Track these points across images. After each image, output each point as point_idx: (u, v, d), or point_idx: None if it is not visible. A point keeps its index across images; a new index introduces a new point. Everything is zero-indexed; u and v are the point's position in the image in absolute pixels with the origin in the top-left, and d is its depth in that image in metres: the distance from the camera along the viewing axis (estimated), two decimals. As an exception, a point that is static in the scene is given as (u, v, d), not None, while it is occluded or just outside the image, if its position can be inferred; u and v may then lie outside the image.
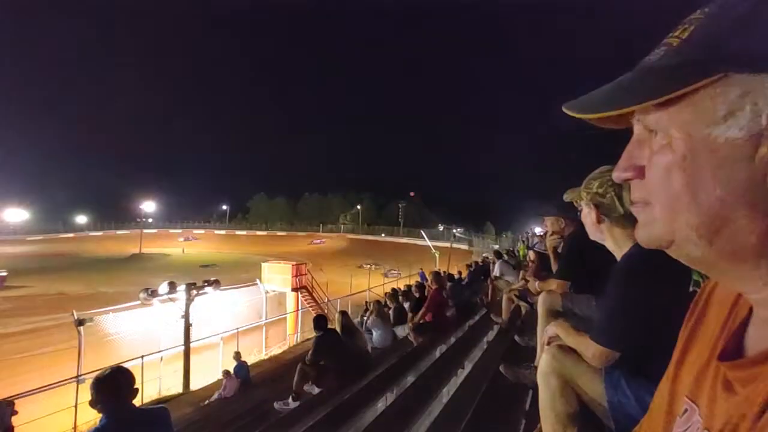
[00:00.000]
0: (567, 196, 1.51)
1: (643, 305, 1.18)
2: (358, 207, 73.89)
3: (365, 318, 7.97)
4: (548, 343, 1.47)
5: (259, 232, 67.58)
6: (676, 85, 0.31)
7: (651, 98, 0.32)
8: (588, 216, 1.42)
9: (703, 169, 0.32)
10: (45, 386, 6.48)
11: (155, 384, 8.93)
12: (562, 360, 1.33)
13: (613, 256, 1.38)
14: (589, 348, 1.27)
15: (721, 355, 0.40)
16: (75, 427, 6.88)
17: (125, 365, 2.07)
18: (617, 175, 0.39)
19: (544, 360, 1.37)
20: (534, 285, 2.84)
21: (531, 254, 6.21)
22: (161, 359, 9.27)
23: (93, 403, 1.77)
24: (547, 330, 1.55)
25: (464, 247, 39.37)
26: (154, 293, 9.02)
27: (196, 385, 8.91)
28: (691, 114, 0.32)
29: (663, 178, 0.34)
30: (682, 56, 0.32)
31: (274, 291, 16.16)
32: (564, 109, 0.37)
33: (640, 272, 1.19)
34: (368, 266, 35.18)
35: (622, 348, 1.22)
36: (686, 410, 0.42)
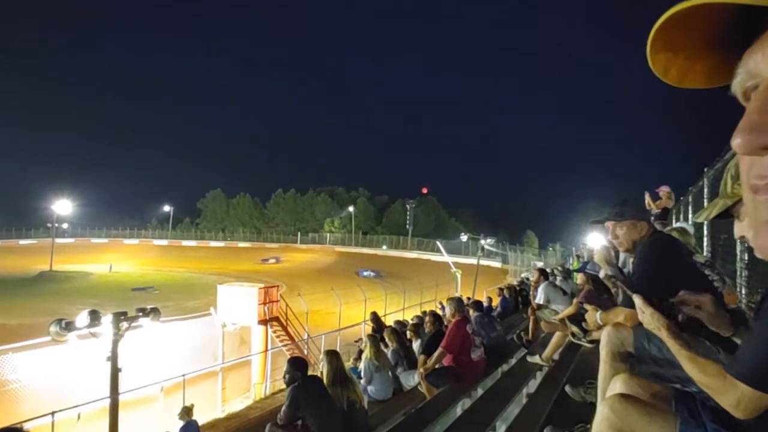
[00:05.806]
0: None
1: None
2: (351, 209, 74.06)
3: (359, 361, 7.95)
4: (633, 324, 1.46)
5: (213, 243, 67.85)
6: None
7: None
8: None
9: None
10: None
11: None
12: (623, 414, 1.32)
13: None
14: (731, 392, 1.23)
15: None
16: None
17: (28, 426, 2.05)
18: (747, 140, 0.35)
19: (600, 413, 1.37)
20: (594, 317, 2.80)
21: (580, 278, 6.18)
22: (78, 416, 9.29)
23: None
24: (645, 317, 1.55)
25: (496, 264, 39.50)
26: (69, 326, 8.98)
27: (126, 453, 8.91)
28: None
29: None
30: None
31: (234, 324, 16.22)
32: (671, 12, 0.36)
33: None
34: (368, 274, 35.36)
35: None
36: None
